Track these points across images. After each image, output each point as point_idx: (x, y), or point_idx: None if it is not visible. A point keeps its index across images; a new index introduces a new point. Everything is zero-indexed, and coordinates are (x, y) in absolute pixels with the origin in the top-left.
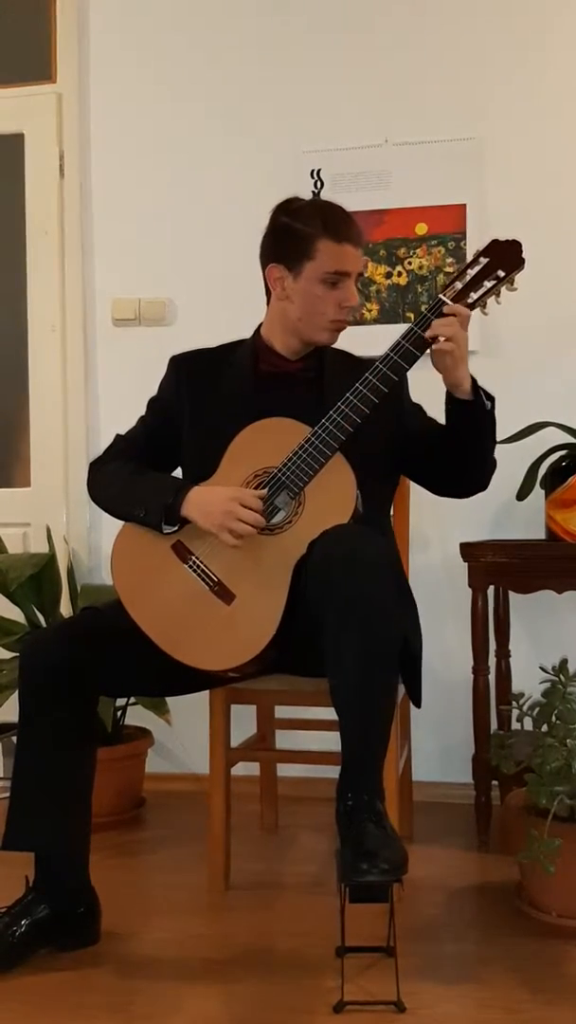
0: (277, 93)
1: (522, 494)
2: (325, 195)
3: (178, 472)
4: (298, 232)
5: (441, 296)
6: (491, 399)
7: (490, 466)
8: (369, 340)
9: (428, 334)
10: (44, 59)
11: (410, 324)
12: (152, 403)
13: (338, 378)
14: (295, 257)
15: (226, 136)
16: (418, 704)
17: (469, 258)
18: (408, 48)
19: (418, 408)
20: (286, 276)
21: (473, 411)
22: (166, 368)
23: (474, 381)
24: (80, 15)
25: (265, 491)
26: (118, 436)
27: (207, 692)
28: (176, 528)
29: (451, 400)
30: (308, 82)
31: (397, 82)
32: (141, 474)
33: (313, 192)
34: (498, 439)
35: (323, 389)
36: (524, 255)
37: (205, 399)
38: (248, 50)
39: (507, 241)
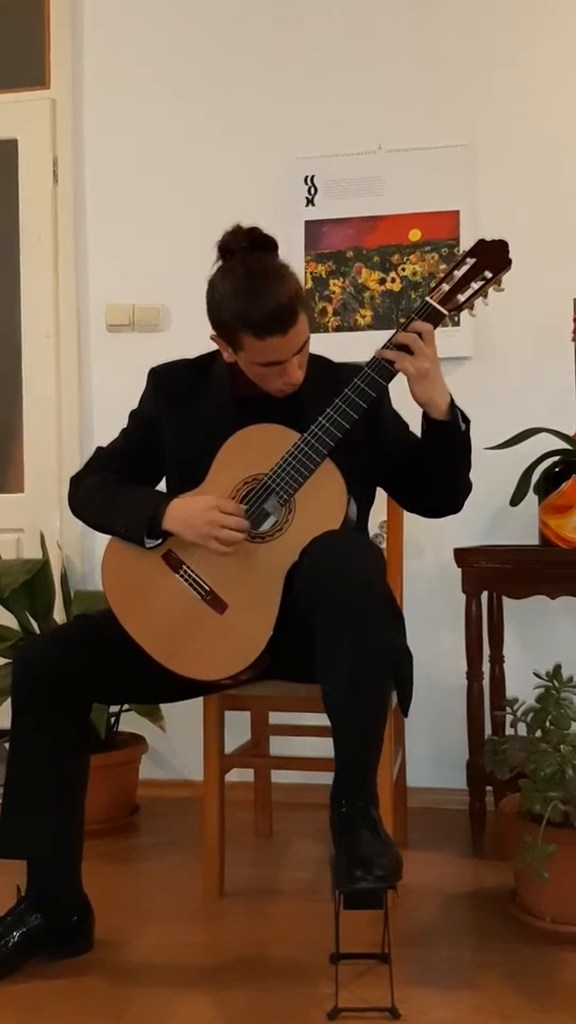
0: (271, 100)
1: (515, 500)
2: (319, 201)
3: (162, 485)
4: (224, 320)
5: (428, 299)
6: (467, 421)
7: (463, 488)
8: (363, 346)
9: (394, 341)
10: (38, 65)
11: (397, 330)
12: (133, 416)
13: (317, 391)
14: (227, 341)
15: (221, 143)
16: (405, 713)
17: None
18: (402, 55)
19: (398, 421)
20: (226, 349)
21: (444, 431)
22: (146, 381)
23: (452, 402)
24: (74, 21)
25: (241, 504)
26: (99, 449)
27: (201, 698)
28: (159, 542)
29: (424, 418)
30: (302, 89)
31: (391, 89)
32: (121, 488)
33: (307, 199)
34: (492, 445)
35: (302, 403)
36: (511, 255)
37: (185, 412)
38: (243, 57)
39: (494, 241)
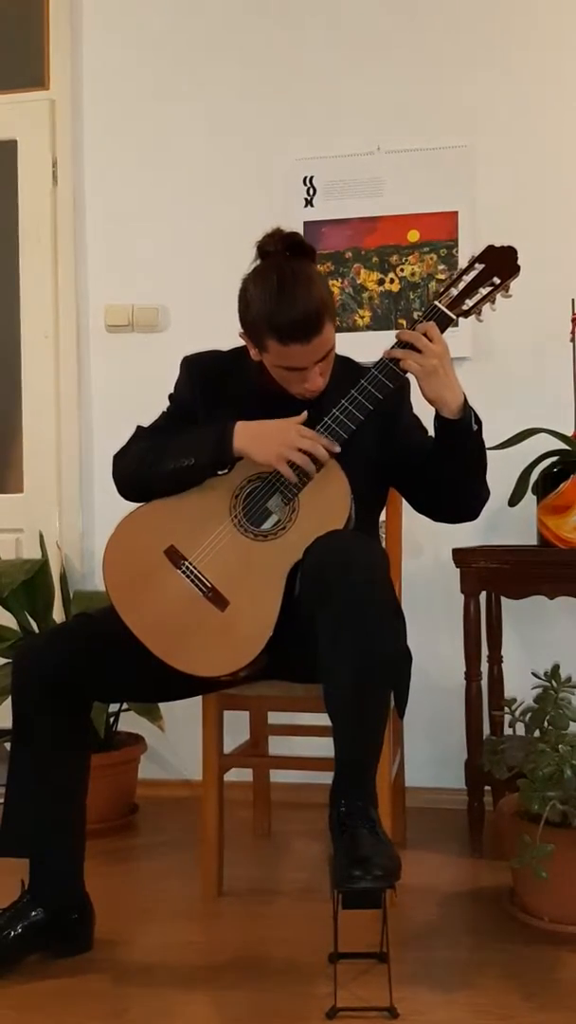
0: (270, 101)
1: (514, 500)
2: (318, 202)
3: None
4: (251, 322)
5: (436, 303)
6: (479, 423)
7: (477, 493)
8: (362, 347)
9: (400, 339)
10: (37, 66)
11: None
12: (172, 398)
13: (338, 392)
14: (253, 342)
15: (220, 144)
16: (401, 715)
17: (464, 264)
18: (400, 57)
19: (416, 424)
20: (253, 348)
21: (455, 430)
22: (180, 368)
23: (466, 402)
24: (73, 22)
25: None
26: (139, 427)
27: (200, 698)
28: (227, 471)
29: (436, 417)
30: (301, 90)
31: (389, 90)
32: (175, 437)
33: (306, 199)
34: (491, 445)
35: (322, 403)
36: (519, 262)
37: (215, 402)
38: (242, 59)
39: (502, 247)
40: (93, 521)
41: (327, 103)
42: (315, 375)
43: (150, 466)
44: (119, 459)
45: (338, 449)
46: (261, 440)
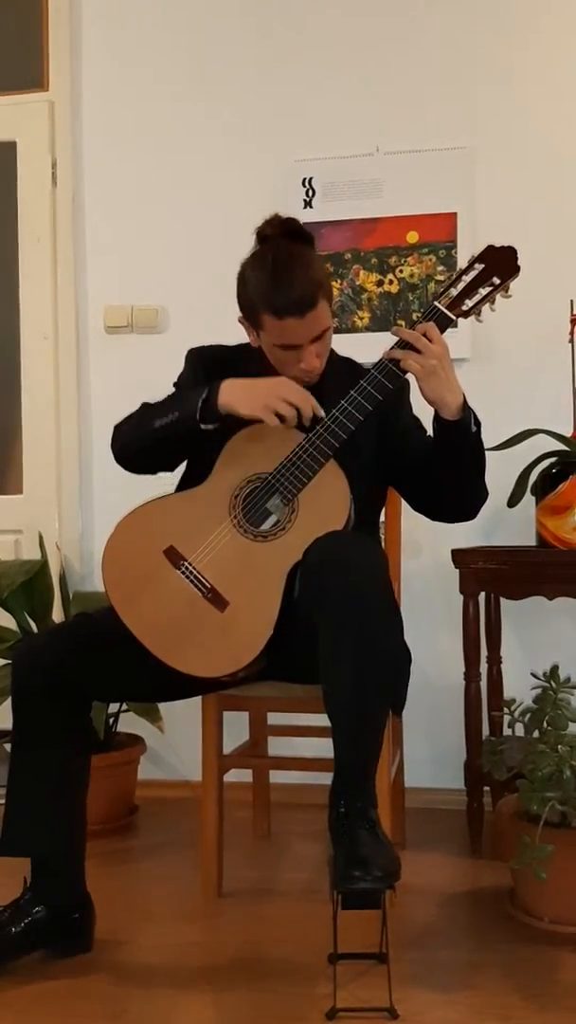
0: (270, 102)
1: (513, 501)
2: (317, 203)
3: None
4: (248, 300)
5: (436, 303)
6: (478, 424)
7: (476, 493)
8: (361, 348)
9: (400, 339)
10: (36, 67)
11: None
12: (176, 387)
13: (338, 391)
14: (250, 322)
15: (219, 145)
16: (399, 713)
17: (463, 264)
18: (400, 58)
19: (416, 424)
20: (251, 331)
21: (454, 431)
22: (184, 360)
23: (465, 403)
24: (73, 23)
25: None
26: (144, 403)
27: (199, 699)
28: (214, 427)
29: (435, 418)
30: (301, 91)
31: (389, 91)
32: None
33: (305, 201)
34: (490, 446)
35: (321, 401)
36: (519, 262)
37: None
38: (241, 59)
39: (502, 247)
40: (93, 522)
41: (326, 104)
42: (311, 355)
43: (138, 427)
44: (117, 429)
45: (322, 414)
46: (248, 393)
